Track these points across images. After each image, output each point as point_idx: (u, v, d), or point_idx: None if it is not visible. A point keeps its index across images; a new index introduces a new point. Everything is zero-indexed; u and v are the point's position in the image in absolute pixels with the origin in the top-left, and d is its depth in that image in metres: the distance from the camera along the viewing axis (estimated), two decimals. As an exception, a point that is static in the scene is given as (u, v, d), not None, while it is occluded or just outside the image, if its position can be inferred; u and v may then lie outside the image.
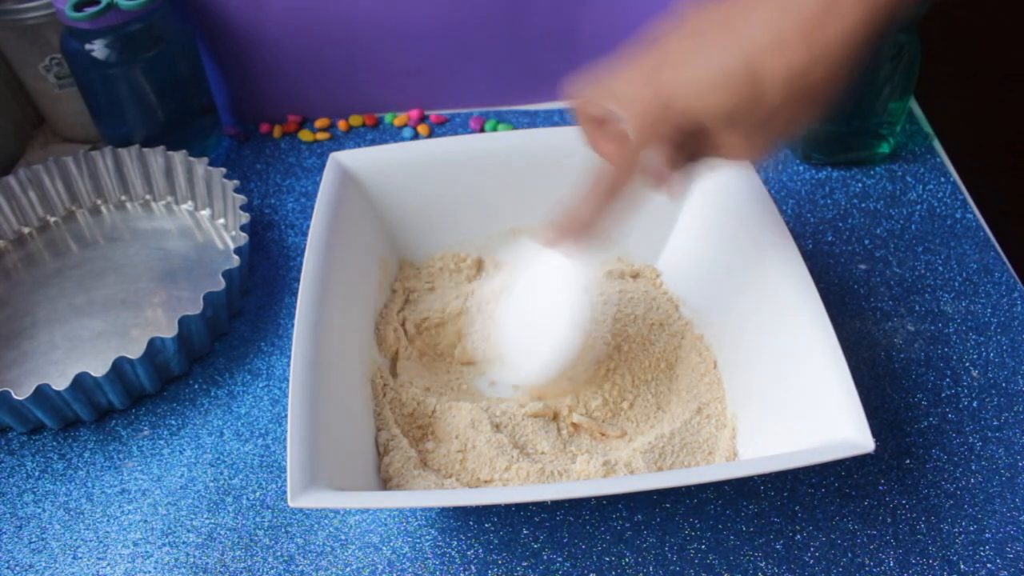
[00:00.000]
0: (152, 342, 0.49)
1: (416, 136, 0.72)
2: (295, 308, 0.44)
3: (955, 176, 0.65)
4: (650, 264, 0.57)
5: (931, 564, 0.43)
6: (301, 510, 0.46)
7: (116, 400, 0.51)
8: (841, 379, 0.40)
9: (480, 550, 0.45)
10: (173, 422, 0.51)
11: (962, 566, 0.43)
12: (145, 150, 0.63)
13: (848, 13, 0.33)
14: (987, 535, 0.44)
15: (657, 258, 0.56)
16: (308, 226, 0.49)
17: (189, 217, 0.64)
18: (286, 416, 0.49)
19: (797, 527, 0.45)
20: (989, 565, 0.43)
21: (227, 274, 0.53)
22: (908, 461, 0.47)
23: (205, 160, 0.62)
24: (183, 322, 0.50)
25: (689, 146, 0.39)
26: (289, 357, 0.43)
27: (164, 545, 0.46)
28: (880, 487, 0.46)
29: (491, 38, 0.69)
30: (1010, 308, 0.55)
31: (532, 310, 0.46)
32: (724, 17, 0.36)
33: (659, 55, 0.37)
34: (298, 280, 0.46)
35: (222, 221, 0.63)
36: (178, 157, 0.63)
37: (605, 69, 0.39)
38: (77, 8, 0.57)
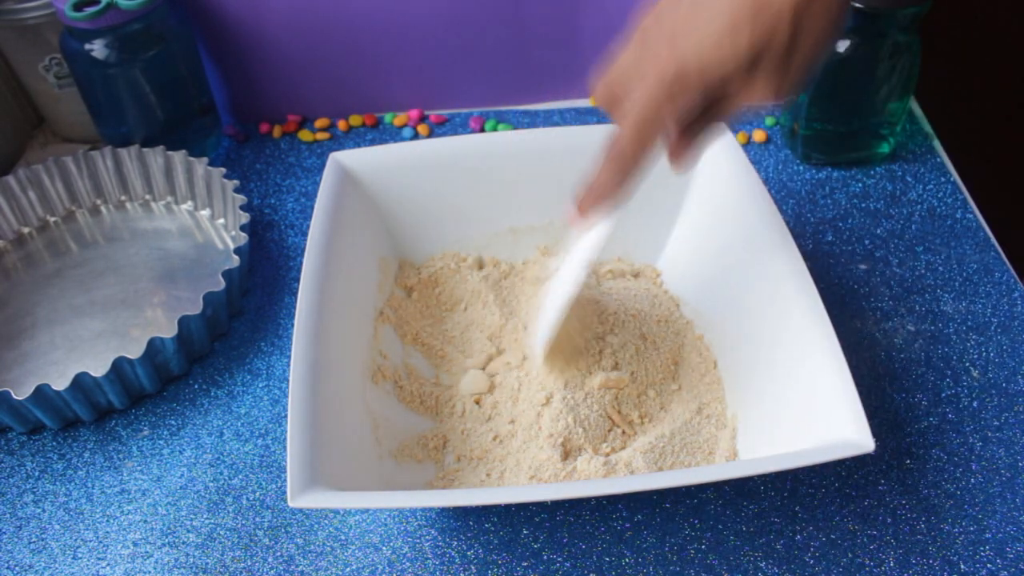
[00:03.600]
0: (152, 342, 0.49)
1: (416, 136, 0.72)
2: (295, 308, 0.44)
3: (955, 176, 0.65)
4: (650, 264, 0.57)
5: (931, 564, 0.43)
6: (301, 510, 0.46)
7: (116, 400, 0.51)
8: (841, 379, 0.40)
9: (480, 550, 0.45)
10: (173, 422, 0.51)
11: (962, 566, 0.43)
12: (145, 150, 0.63)
13: None
14: (987, 535, 0.44)
15: (657, 258, 0.56)
16: (308, 226, 0.49)
17: (189, 217, 0.64)
18: (286, 416, 0.49)
19: (797, 527, 0.45)
20: (989, 565, 0.43)
21: (227, 274, 0.53)
22: (908, 461, 0.47)
23: (205, 160, 0.62)
24: (183, 322, 0.50)
25: (707, 110, 0.39)
26: (289, 357, 0.43)
27: (164, 545, 0.46)
28: (880, 487, 0.46)
29: (491, 38, 0.69)
30: (1010, 308, 0.55)
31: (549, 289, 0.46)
32: None
33: (662, 24, 0.37)
34: (298, 280, 0.46)
35: (222, 221, 0.63)
36: (178, 157, 0.63)
37: (617, 54, 0.39)
38: (77, 8, 0.57)
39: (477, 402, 0.49)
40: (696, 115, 0.39)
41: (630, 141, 0.38)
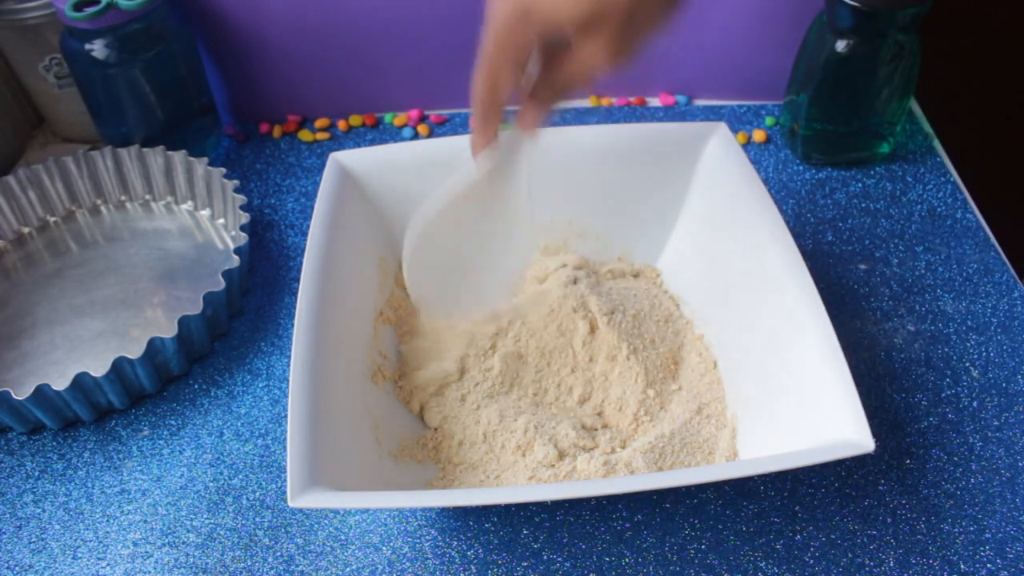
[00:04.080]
0: (152, 342, 0.49)
1: (416, 136, 0.72)
2: (295, 308, 0.44)
3: (955, 176, 0.65)
4: (650, 264, 0.57)
5: (931, 564, 0.43)
6: (301, 510, 0.46)
7: (116, 400, 0.51)
8: (841, 379, 0.40)
9: (480, 550, 0.45)
10: (173, 422, 0.51)
11: (962, 566, 0.43)
12: (145, 150, 0.63)
13: None
14: (987, 535, 0.44)
15: (657, 258, 0.56)
16: (308, 226, 0.49)
17: (189, 217, 0.64)
18: (286, 416, 0.49)
19: (797, 527, 0.45)
20: (989, 565, 0.43)
21: (227, 274, 0.53)
22: (908, 461, 0.47)
23: (205, 160, 0.62)
24: (183, 322, 0.50)
25: (550, 69, 0.40)
26: (289, 357, 0.43)
27: (164, 545, 0.46)
28: (880, 487, 0.46)
29: (491, 38, 0.69)
30: (1010, 308, 0.55)
31: (479, 227, 0.46)
32: None
33: None
34: (298, 280, 0.46)
35: (222, 221, 0.63)
36: (178, 157, 0.63)
37: None
38: (77, 8, 0.57)
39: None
40: (540, 73, 0.40)
41: (478, 76, 0.40)
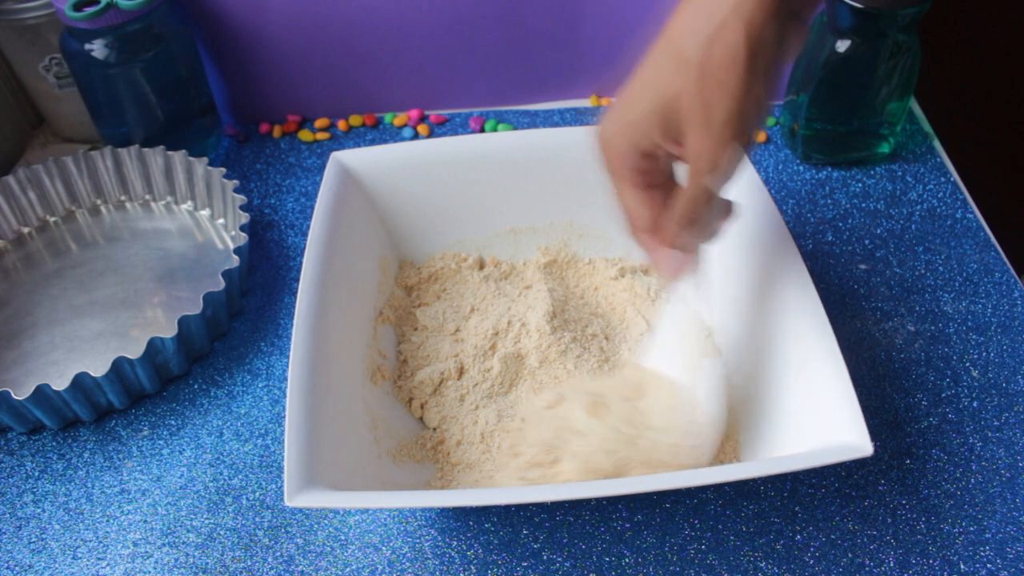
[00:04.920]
0: (152, 342, 0.49)
1: (416, 136, 0.72)
2: (295, 308, 0.44)
3: (955, 176, 0.65)
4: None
5: (931, 564, 0.43)
6: (301, 510, 0.46)
7: (116, 400, 0.51)
8: (840, 382, 0.40)
9: (480, 550, 0.45)
10: (173, 422, 0.51)
11: (962, 566, 0.43)
12: (145, 150, 0.63)
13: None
14: (987, 535, 0.44)
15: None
16: (308, 226, 0.49)
17: (189, 217, 0.64)
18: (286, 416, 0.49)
19: (797, 527, 0.45)
20: (989, 565, 0.43)
21: (227, 274, 0.53)
22: (908, 461, 0.47)
23: (205, 160, 0.62)
24: (183, 322, 0.50)
25: (668, 186, 0.40)
26: (289, 357, 0.43)
27: (164, 545, 0.46)
28: (880, 487, 0.46)
29: (491, 38, 0.69)
30: (1010, 308, 0.55)
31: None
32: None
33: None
34: (298, 280, 0.46)
35: (222, 221, 0.63)
36: (178, 157, 0.63)
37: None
38: (77, 8, 0.57)
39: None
40: (665, 194, 0.40)
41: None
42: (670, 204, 0.39)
